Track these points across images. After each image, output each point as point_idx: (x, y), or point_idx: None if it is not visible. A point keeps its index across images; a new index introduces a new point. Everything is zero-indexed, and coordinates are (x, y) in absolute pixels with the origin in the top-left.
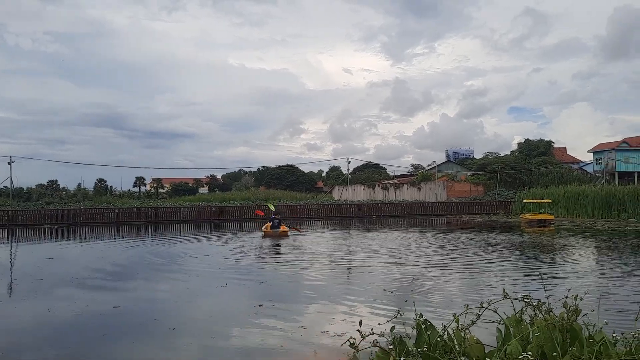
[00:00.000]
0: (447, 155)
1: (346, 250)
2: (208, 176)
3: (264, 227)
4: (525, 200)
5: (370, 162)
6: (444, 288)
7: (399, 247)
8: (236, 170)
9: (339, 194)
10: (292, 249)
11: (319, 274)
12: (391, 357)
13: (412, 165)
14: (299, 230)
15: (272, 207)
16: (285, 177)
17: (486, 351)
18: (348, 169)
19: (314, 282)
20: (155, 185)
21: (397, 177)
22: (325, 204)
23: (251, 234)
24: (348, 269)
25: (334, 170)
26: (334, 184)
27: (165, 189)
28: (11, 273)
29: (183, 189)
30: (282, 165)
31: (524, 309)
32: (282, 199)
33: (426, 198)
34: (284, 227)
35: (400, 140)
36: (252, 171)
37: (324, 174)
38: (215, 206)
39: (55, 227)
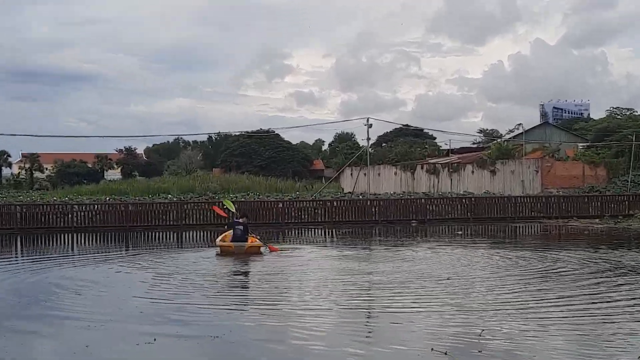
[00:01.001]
0: (544, 114)
1: (365, 282)
2: (121, 150)
3: (219, 238)
4: None
5: (407, 125)
6: (534, 346)
7: (458, 276)
8: (171, 140)
9: (353, 182)
10: (269, 277)
11: (317, 323)
12: None
13: (482, 131)
14: (278, 250)
15: (230, 206)
16: (258, 152)
17: None
18: (368, 138)
19: (307, 338)
20: (28, 165)
21: (454, 152)
22: (328, 201)
23: (198, 251)
24: (368, 314)
25: (344, 140)
26: (344, 163)
27: (47, 172)
28: None
29: (77, 172)
30: (252, 132)
31: None
32: (251, 191)
33: (506, 189)
34: (253, 239)
35: (461, 87)
36: (200, 142)
37: (325, 147)
38: (134, 203)
39: None
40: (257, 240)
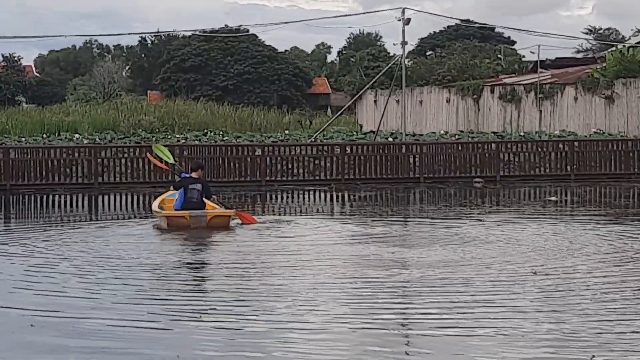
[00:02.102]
0: None
1: (399, 281)
2: None
3: (156, 203)
4: None
5: (467, 21)
6: None
7: (551, 271)
8: (79, 44)
9: (378, 114)
10: (240, 271)
11: (323, 343)
12: None
13: (592, 31)
14: (255, 221)
15: (165, 155)
16: (222, 64)
17: None
18: (404, 42)
19: None
20: None
21: (546, 66)
22: (337, 145)
23: (122, 226)
24: (405, 337)
25: (364, 47)
26: (363, 84)
27: None
28: None
29: None
30: (213, 32)
31: None
32: (211, 129)
33: (631, 127)
34: (210, 205)
35: None
36: (127, 48)
37: (333, 58)
38: (19, 147)
39: None
40: (218, 207)
